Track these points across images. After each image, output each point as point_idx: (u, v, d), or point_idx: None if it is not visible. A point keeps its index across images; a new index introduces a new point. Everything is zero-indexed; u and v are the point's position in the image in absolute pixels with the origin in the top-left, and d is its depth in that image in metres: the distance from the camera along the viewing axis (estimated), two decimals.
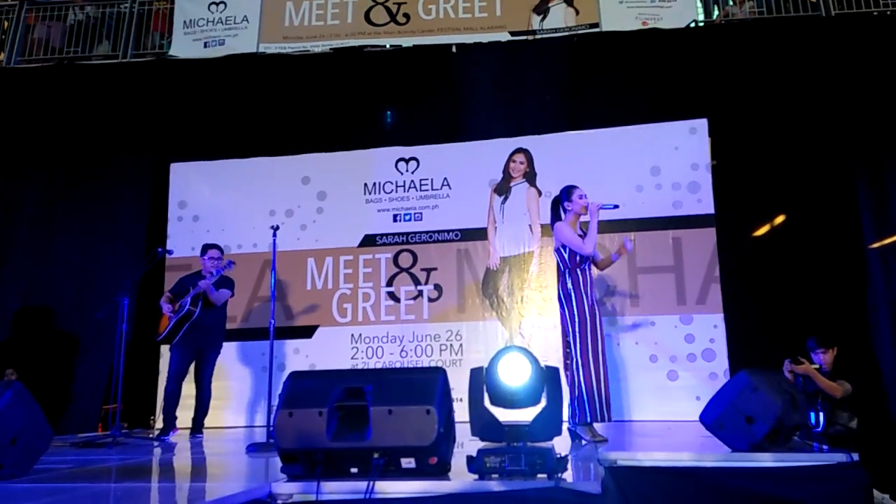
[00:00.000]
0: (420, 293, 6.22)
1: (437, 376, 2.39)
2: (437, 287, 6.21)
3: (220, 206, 6.57)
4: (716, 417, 3.01)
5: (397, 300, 6.21)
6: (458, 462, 2.40)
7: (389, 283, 6.24)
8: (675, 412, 5.32)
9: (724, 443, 2.99)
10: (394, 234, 6.34)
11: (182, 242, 6.30)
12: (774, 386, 2.93)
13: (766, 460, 2.76)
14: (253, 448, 3.63)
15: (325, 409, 2.33)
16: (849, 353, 5.03)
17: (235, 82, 6.64)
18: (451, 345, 6.07)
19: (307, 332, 6.30)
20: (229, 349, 5.97)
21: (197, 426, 5.03)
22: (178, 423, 5.00)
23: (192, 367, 5.07)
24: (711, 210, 5.75)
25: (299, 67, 6.72)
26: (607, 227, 5.91)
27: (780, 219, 6.08)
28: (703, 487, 2.71)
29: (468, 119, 6.31)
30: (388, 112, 6.31)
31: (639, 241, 5.86)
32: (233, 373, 6.08)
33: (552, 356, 5.84)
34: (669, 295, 5.74)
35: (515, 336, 5.96)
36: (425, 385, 2.35)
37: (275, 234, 4.60)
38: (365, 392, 2.36)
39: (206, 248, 5.20)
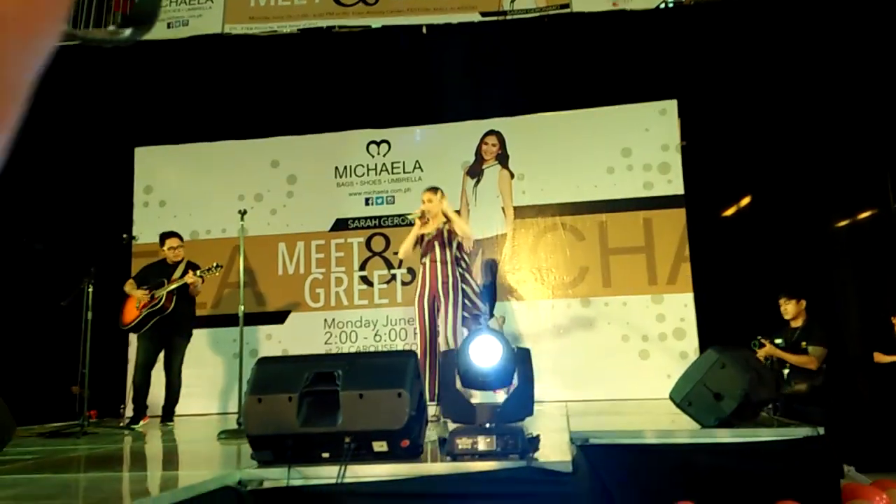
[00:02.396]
0: (393, 277, 6.19)
1: (408, 359, 2.37)
2: (411, 271, 6.18)
3: (187, 191, 6.44)
4: (685, 395, 3.05)
5: (370, 284, 6.17)
6: (431, 444, 2.39)
7: (362, 268, 6.20)
8: (647, 390, 5.39)
9: (693, 419, 3.03)
10: (366, 218, 6.28)
11: (148, 228, 6.17)
12: (742, 362, 2.98)
13: (733, 436, 2.81)
14: (224, 435, 3.59)
15: (296, 395, 2.30)
16: (822, 326, 5.15)
17: (200, 64, 6.49)
18: None
19: (279, 317, 6.24)
20: (200, 336, 5.89)
21: (167, 414, 4.97)
22: (149, 412, 4.93)
23: (161, 356, 4.99)
24: (681, 190, 5.81)
25: (266, 49, 6.59)
26: (581, 208, 5.94)
27: (747, 199, 6.17)
28: (672, 464, 2.75)
29: (440, 101, 6.26)
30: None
31: (610, 222, 5.90)
32: (204, 360, 6.00)
33: (528, 337, 5.87)
34: (640, 275, 5.79)
35: (490, 318, 5.97)
36: (396, 368, 2.33)
37: (242, 219, 4.51)
38: (335, 376, 2.34)
39: (164, 237, 5.11)
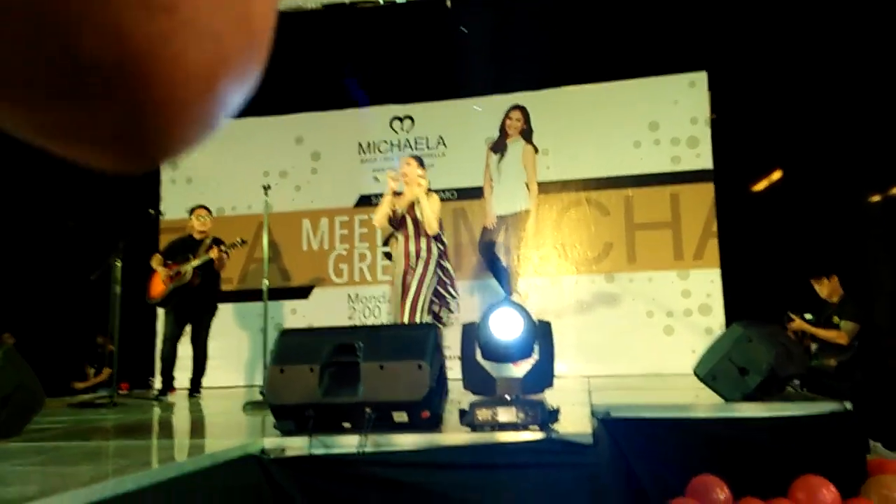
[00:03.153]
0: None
1: (428, 332, 2.37)
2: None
3: (213, 168, 6.49)
4: (709, 369, 3.02)
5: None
6: (451, 416, 2.40)
7: (385, 243, 6.20)
8: (672, 366, 5.34)
9: (717, 394, 3.00)
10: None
11: (175, 205, 6.26)
12: (768, 337, 2.93)
13: (759, 411, 2.78)
14: (249, 406, 3.65)
15: (317, 366, 2.32)
16: (854, 303, 5.04)
17: None
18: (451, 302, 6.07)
19: (304, 292, 6.30)
20: (226, 310, 5.99)
21: (195, 386, 5.07)
22: (177, 384, 5.03)
23: (188, 329, 5.08)
24: (710, 165, 5.69)
25: (290, 24, 6.56)
26: (607, 183, 5.87)
27: (777, 174, 6.03)
28: (694, 438, 2.73)
29: (464, 76, 6.19)
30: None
31: (636, 197, 5.82)
32: (230, 333, 6.10)
33: (549, 314, 5.85)
34: (667, 251, 5.72)
35: (513, 294, 5.95)
36: (416, 340, 2.33)
37: (266, 194, 4.55)
38: (356, 348, 2.35)
39: (194, 208, 5.18)
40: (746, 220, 5.65)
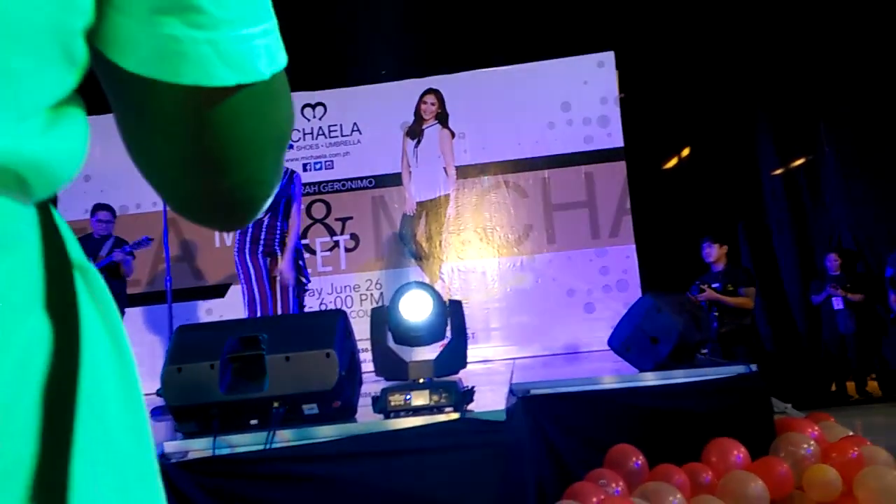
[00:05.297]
0: (336, 244, 6.06)
1: (336, 319, 2.28)
2: (354, 236, 6.06)
3: (113, 164, 6.11)
4: (622, 341, 3.07)
5: (313, 252, 6.03)
6: (364, 404, 2.33)
7: (304, 236, 6.04)
8: (595, 342, 5.44)
9: (631, 364, 3.05)
10: (305, 185, 6.08)
11: (73, 205, 5.87)
12: (676, 306, 3.00)
13: (670, 377, 2.84)
14: (157, 412, 3.46)
15: (217, 362, 2.19)
16: (757, 267, 5.27)
17: None
18: (372, 294, 5.98)
19: (219, 291, 6.06)
20: (135, 315, 5.68)
21: None
22: None
23: None
24: (621, 143, 5.81)
25: None
26: (524, 165, 5.90)
27: (686, 151, 6.23)
28: (610, 409, 2.76)
29: (375, 60, 6.08)
30: None
31: (552, 177, 5.88)
32: (140, 339, 5.79)
33: (474, 298, 5.85)
34: (584, 229, 5.81)
35: (436, 281, 5.91)
36: (324, 329, 2.24)
37: None
38: (260, 340, 2.23)
39: (97, 208, 4.87)
40: (658, 196, 5.82)
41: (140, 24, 0.34)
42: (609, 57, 5.87)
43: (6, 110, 0.30)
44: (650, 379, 2.82)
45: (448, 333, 2.31)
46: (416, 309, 2.25)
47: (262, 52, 0.38)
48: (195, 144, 0.39)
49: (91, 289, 0.37)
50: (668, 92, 5.96)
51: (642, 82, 5.92)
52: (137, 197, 6.07)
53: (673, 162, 6.58)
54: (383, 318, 2.29)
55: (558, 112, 5.89)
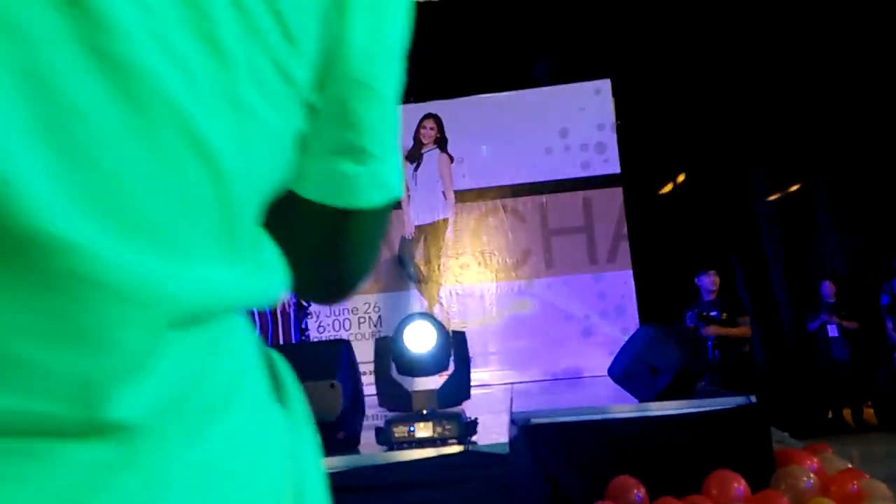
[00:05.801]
0: None
1: (339, 349, 2.30)
2: None
3: None
4: (622, 370, 3.08)
5: None
6: (368, 435, 2.33)
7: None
8: (592, 368, 5.46)
9: (631, 394, 3.07)
10: None
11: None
12: (675, 336, 3.02)
13: (670, 408, 2.85)
14: None
15: None
16: (752, 294, 5.30)
17: None
18: (370, 317, 5.98)
19: None
20: None
21: None
22: None
23: None
24: (618, 169, 5.86)
25: None
26: (522, 190, 5.95)
27: (681, 177, 6.30)
28: (609, 439, 2.77)
29: None
30: None
31: (550, 202, 5.92)
32: None
33: (471, 322, 5.86)
34: (581, 255, 5.84)
35: (434, 304, 5.93)
36: (328, 359, 2.25)
37: None
38: None
39: None
40: (654, 222, 5.87)
41: (320, 163, 0.44)
42: (605, 84, 5.94)
43: (247, 246, 0.39)
44: (651, 409, 2.83)
45: (451, 364, 2.32)
46: (419, 340, 2.26)
47: (397, 176, 0.48)
48: (328, 247, 0.48)
49: (282, 373, 0.46)
50: (663, 119, 6.04)
51: (638, 109, 6.01)
52: None
53: (668, 187, 6.65)
54: (387, 349, 2.30)
55: (556, 138, 5.95)
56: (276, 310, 3.90)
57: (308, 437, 0.46)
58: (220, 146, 0.34)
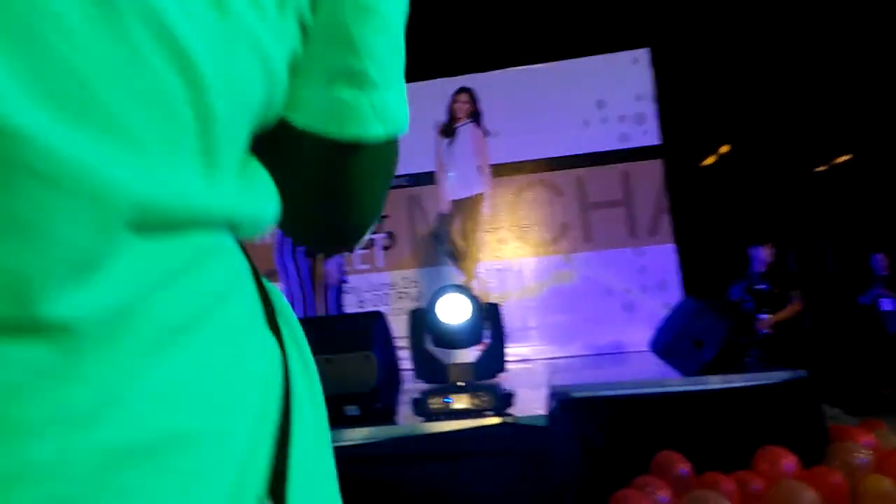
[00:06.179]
0: (373, 242, 6.08)
1: (374, 321, 2.27)
2: (391, 235, 6.07)
3: None
4: (665, 344, 3.00)
5: (350, 251, 6.06)
6: (405, 408, 2.31)
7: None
8: (633, 343, 5.36)
9: (674, 368, 2.98)
10: None
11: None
12: (720, 309, 2.92)
13: (716, 382, 2.76)
14: None
15: None
16: (801, 266, 5.11)
17: None
18: (409, 292, 5.98)
19: None
20: None
21: None
22: None
23: None
24: (658, 141, 5.70)
25: None
26: (559, 163, 5.84)
27: (725, 147, 6.09)
28: (653, 415, 2.70)
29: (408, 60, 6.06)
30: None
31: (588, 176, 5.80)
32: None
33: (509, 297, 5.81)
34: (621, 229, 5.72)
35: (472, 279, 5.88)
36: (363, 331, 2.23)
37: None
38: None
39: None
40: (698, 194, 5.69)
41: (316, 88, 0.41)
42: (645, 53, 5.76)
43: (230, 166, 0.36)
44: (696, 383, 2.75)
45: (487, 336, 2.28)
46: (453, 312, 2.22)
47: (403, 109, 0.45)
48: (327, 185, 0.45)
49: (278, 306, 0.43)
50: (706, 87, 5.82)
51: (679, 78, 5.79)
52: None
53: (712, 159, 6.43)
54: (422, 321, 2.27)
55: (593, 110, 5.81)
56: (315, 287, 3.90)
57: (305, 372, 0.43)
58: (196, 47, 0.31)
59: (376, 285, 5.98)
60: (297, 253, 4.04)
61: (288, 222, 0.47)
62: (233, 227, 0.37)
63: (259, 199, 0.40)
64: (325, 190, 0.45)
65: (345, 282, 4.22)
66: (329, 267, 4.04)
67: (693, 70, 5.86)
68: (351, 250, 0.54)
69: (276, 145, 0.42)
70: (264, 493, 0.34)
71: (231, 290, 0.36)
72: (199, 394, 0.32)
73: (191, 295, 0.33)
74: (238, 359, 0.35)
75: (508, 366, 2.84)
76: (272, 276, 6.14)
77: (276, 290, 0.44)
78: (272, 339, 0.38)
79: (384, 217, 6.07)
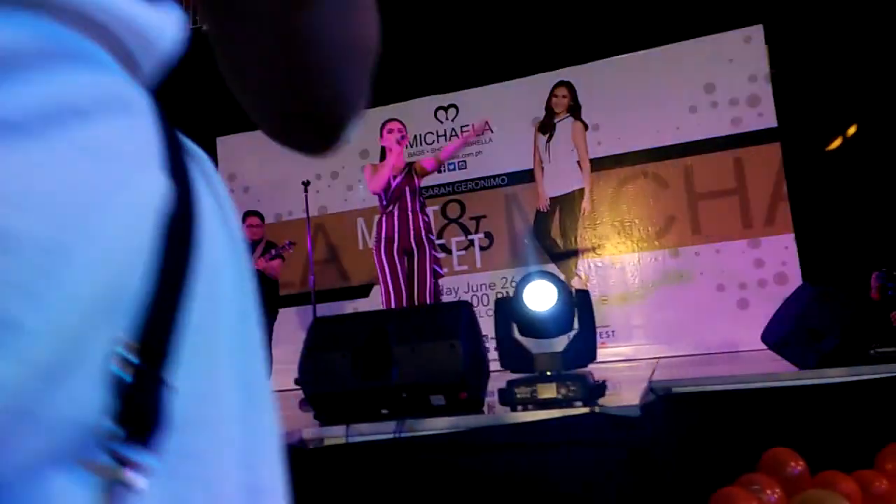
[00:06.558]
0: (471, 242, 6.10)
1: (460, 310, 2.27)
2: (488, 235, 6.07)
3: (268, 175, 6.61)
4: (780, 336, 2.78)
5: (449, 252, 6.11)
6: (492, 396, 2.29)
7: (440, 236, 6.14)
8: (749, 342, 5.01)
9: (790, 362, 2.76)
10: (439, 186, 6.20)
11: (237, 215, 6.40)
12: (841, 298, 2.67)
13: (837, 376, 2.53)
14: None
15: (349, 351, 2.26)
16: None
17: None
18: (508, 291, 5.94)
19: (363, 291, 6.31)
20: (289, 314, 6.06)
21: None
22: None
23: None
24: (774, 123, 5.32)
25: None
26: (664, 153, 5.59)
27: (851, 129, 5.57)
28: (767, 409, 2.51)
29: (505, 57, 6.04)
30: None
31: (696, 165, 5.51)
32: (294, 337, 6.16)
33: (612, 294, 5.63)
34: (734, 219, 5.38)
35: (573, 278, 5.75)
36: (448, 320, 2.24)
37: (306, 191, 4.61)
38: (388, 332, 2.27)
39: (245, 216, 5.29)
40: (820, 180, 5.24)
41: None
42: (757, 31, 5.40)
43: None
44: (810, 377, 2.53)
45: (576, 325, 2.21)
46: (541, 299, 2.17)
47: None
48: (285, 52, 0.40)
49: (201, 166, 0.38)
50: (826, 64, 5.35)
51: (796, 55, 5.37)
52: (289, 205, 6.49)
53: (837, 142, 5.92)
54: (508, 310, 2.24)
55: (701, 94, 5.51)
56: (411, 285, 3.95)
57: (225, 228, 0.38)
58: None
59: (475, 286, 5.99)
60: (393, 252, 4.11)
61: (252, 106, 0.44)
62: (107, 32, 0.32)
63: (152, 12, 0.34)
64: (283, 61, 0.40)
65: (441, 272, 4.24)
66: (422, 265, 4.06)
67: (811, 46, 5.42)
68: (329, 148, 0.47)
69: (223, 15, 0.40)
70: (130, 338, 0.29)
71: (97, 111, 0.31)
72: (33, 195, 0.27)
73: (29, 96, 0.28)
74: (94, 181, 0.29)
75: (612, 365, 2.74)
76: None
77: (205, 157, 0.40)
78: (161, 178, 0.32)
79: (482, 217, 6.07)
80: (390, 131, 4.23)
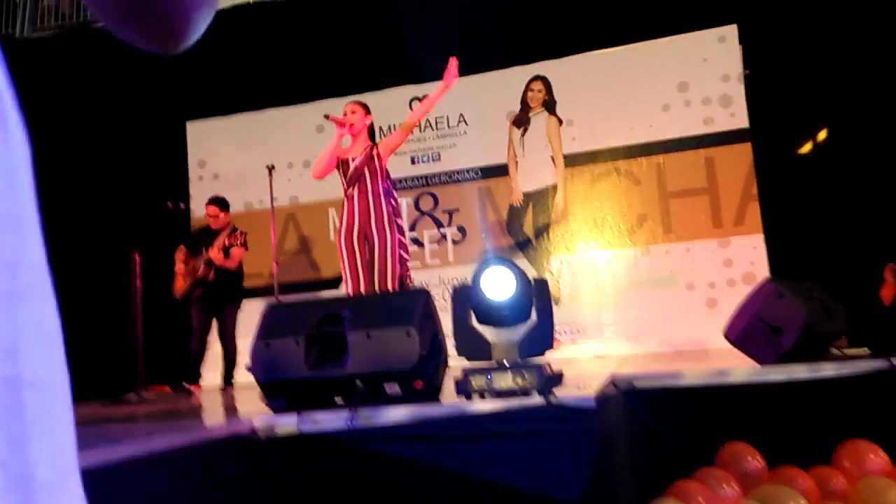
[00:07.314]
0: (443, 236, 6.05)
1: (417, 297, 2.22)
2: (461, 229, 6.02)
3: (238, 163, 6.49)
4: (740, 331, 2.77)
5: (421, 245, 6.05)
6: (449, 385, 2.25)
7: (412, 228, 6.08)
8: (717, 340, 5.01)
9: (750, 357, 2.75)
10: (413, 178, 6.15)
11: (204, 201, 6.27)
12: (803, 293, 2.66)
13: (795, 373, 2.52)
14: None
15: (302, 338, 2.20)
16: None
17: (238, 34, 6.46)
18: None
19: (334, 283, 6.21)
20: (256, 305, 5.95)
21: (226, 379, 5.06)
22: (209, 381, 5.03)
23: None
24: (746, 124, 5.35)
25: (301, 13, 6.50)
26: (636, 150, 5.57)
27: (822, 132, 5.62)
28: (725, 405, 2.50)
29: (480, 49, 5.99)
30: None
31: (668, 163, 5.52)
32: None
33: (583, 290, 5.62)
34: (704, 218, 5.40)
35: (544, 273, 5.73)
36: (405, 307, 2.19)
37: (270, 175, 4.54)
38: (342, 318, 2.21)
39: (207, 204, 5.20)
40: (790, 181, 5.28)
41: None
42: (732, 31, 5.42)
43: None
44: (769, 374, 2.52)
45: (533, 315, 2.17)
46: (498, 287, 2.13)
47: None
48: None
49: None
50: (799, 66, 5.39)
51: (770, 56, 5.40)
52: (260, 193, 6.37)
53: (808, 146, 5.97)
54: (465, 297, 2.19)
55: (674, 93, 5.52)
56: (371, 273, 3.85)
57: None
58: None
59: (447, 280, 5.94)
60: (352, 239, 3.95)
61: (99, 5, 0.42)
62: None
63: None
64: None
65: (405, 258, 4.14)
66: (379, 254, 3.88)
67: (785, 47, 5.45)
68: (178, 44, 0.46)
69: None
70: None
71: None
72: None
73: None
74: None
75: (582, 362, 2.70)
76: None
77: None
78: None
79: (455, 211, 6.02)
80: (345, 114, 4.08)
